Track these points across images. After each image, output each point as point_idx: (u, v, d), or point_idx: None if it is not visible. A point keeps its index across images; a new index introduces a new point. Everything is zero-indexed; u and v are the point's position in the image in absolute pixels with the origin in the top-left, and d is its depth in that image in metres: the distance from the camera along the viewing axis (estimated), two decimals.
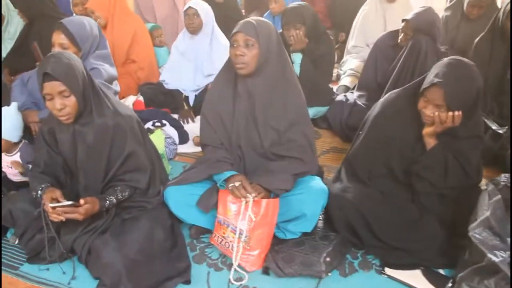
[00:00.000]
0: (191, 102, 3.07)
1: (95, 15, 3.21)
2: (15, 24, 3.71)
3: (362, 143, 2.07)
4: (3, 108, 2.34)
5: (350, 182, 2.05)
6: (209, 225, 2.09)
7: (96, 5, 3.18)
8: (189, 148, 2.86)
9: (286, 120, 2.04)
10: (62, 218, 1.83)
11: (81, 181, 2.01)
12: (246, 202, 1.87)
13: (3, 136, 2.26)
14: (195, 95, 3.09)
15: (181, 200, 2.05)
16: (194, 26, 3.05)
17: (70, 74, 1.82)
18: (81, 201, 1.83)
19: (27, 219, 2.02)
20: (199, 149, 2.84)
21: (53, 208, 1.81)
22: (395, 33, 2.79)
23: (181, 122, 2.98)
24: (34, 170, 2.05)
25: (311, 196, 1.95)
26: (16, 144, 2.34)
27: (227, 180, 1.96)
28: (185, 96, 3.12)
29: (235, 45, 1.93)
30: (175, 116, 3.02)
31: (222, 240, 1.96)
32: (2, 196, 2.24)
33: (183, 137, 2.84)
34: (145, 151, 2.05)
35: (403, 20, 2.69)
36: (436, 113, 1.82)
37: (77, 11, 3.32)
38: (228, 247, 1.93)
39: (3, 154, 2.37)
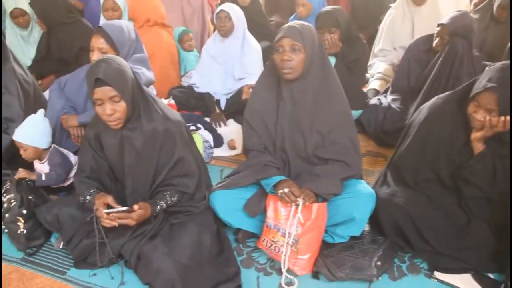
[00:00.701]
0: (223, 106, 3.07)
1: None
2: (37, 30, 3.71)
3: (408, 147, 2.07)
4: (30, 116, 2.35)
5: (397, 186, 2.05)
6: (256, 229, 2.09)
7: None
8: (224, 151, 2.86)
9: (330, 123, 2.05)
10: (115, 223, 1.84)
11: (128, 186, 2.01)
12: (296, 206, 1.87)
13: (32, 144, 2.28)
14: (227, 99, 3.09)
15: (228, 205, 2.05)
16: (225, 29, 3.05)
17: (120, 79, 1.82)
18: (135, 207, 1.83)
19: (74, 224, 2.02)
20: (234, 152, 2.86)
21: (107, 214, 1.81)
22: (428, 37, 2.80)
23: (213, 125, 2.98)
24: (79, 175, 2.05)
25: (361, 200, 1.96)
26: (47, 150, 2.35)
27: (276, 186, 1.95)
28: (216, 99, 3.12)
29: (280, 50, 1.94)
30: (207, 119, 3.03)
31: (272, 244, 1.95)
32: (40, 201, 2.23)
33: (218, 141, 2.84)
34: (193, 156, 2.05)
35: (438, 25, 2.69)
36: (487, 118, 1.83)
37: (106, 16, 3.32)
38: (277, 252, 1.93)
39: (37, 162, 2.38)
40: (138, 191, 2.01)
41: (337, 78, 2.11)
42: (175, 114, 2.04)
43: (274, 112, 2.09)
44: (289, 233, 1.89)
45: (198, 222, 2.01)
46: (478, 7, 3.32)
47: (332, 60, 2.79)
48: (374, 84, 3.27)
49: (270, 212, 1.96)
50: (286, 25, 2.01)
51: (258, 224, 2.08)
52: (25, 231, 2.08)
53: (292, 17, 3.73)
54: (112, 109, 1.81)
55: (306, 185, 1.95)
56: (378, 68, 3.33)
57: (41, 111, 2.34)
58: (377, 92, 3.19)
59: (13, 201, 2.13)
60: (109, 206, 1.87)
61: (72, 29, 3.51)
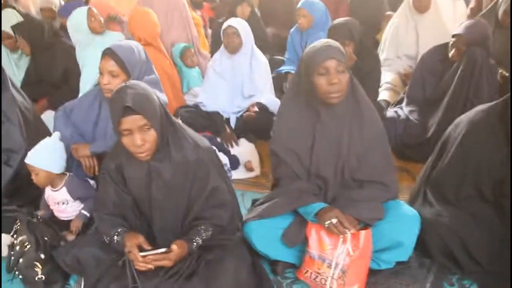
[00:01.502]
0: (233, 125, 2.94)
1: None
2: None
3: (449, 163, 2.00)
4: (41, 141, 2.18)
5: (440, 205, 1.98)
6: (294, 260, 1.98)
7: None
8: (242, 174, 2.72)
9: (365, 143, 1.95)
10: (151, 266, 1.68)
11: (156, 222, 1.85)
12: (344, 237, 1.77)
13: (45, 168, 2.11)
14: (236, 117, 2.96)
15: (265, 235, 1.92)
16: (233, 45, 2.93)
17: (149, 106, 1.68)
18: (174, 247, 1.68)
19: (100, 266, 1.84)
20: (252, 174, 2.73)
21: (143, 256, 1.65)
22: (441, 47, 2.76)
23: (225, 146, 2.85)
24: (101, 211, 1.88)
25: (407, 224, 1.87)
26: (60, 176, 2.18)
27: (319, 214, 1.84)
28: (225, 118, 2.98)
29: (323, 73, 1.79)
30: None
31: (317, 276, 1.84)
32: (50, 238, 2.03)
33: (233, 163, 2.70)
34: (226, 184, 1.91)
35: (454, 35, 2.65)
36: None
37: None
38: (324, 283, 1.82)
39: (49, 189, 2.20)
40: (167, 227, 1.86)
41: (365, 95, 2.03)
42: (205, 141, 1.90)
43: (307, 138, 1.95)
44: (336, 264, 1.79)
45: (234, 256, 1.86)
46: (482, 13, 3.30)
47: None
48: (383, 95, 3.22)
49: (313, 242, 1.85)
50: (322, 44, 1.85)
51: (297, 254, 1.97)
52: (43, 277, 1.89)
53: (293, 29, 3.63)
54: (142, 139, 1.66)
55: (347, 212, 1.84)
56: (385, 78, 3.28)
57: (56, 134, 2.18)
58: (387, 103, 3.14)
59: (27, 244, 1.93)
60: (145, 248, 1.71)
61: (53, 51, 3.35)
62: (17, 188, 2.44)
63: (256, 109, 2.91)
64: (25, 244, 1.93)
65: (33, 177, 2.12)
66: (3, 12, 3.43)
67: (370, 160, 1.95)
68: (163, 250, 1.67)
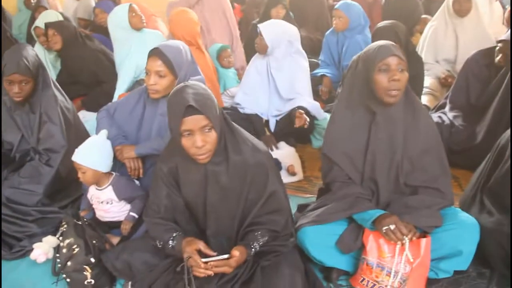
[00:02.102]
0: (272, 128, 2.89)
1: None
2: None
3: (508, 172, 1.94)
4: (89, 138, 2.16)
5: (501, 214, 1.91)
6: (348, 267, 1.92)
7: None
8: (284, 178, 2.63)
9: (420, 147, 1.91)
10: (211, 273, 1.64)
11: (211, 226, 1.81)
12: (402, 244, 1.72)
13: (92, 166, 2.07)
14: (276, 120, 2.91)
15: (320, 242, 1.88)
16: (258, 48, 2.93)
17: (211, 106, 1.64)
18: (236, 253, 1.64)
19: (153, 272, 1.80)
20: (295, 178, 2.68)
21: (205, 263, 1.61)
22: (487, 51, 2.69)
23: None
24: (152, 216, 1.84)
25: (467, 232, 1.81)
26: (107, 175, 2.15)
27: (377, 221, 1.79)
28: (265, 120, 2.93)
29: (384, 69, 1.78)
30: None
31: (375, 284, 1.79)
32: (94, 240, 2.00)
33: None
34: (283, 189, 1.87)
35: (500, 41, 2.59)
36: None
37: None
38: None
39: (93, 188, 2.16)
40: (221, 232, 1.82)
41: (419, 99, 1.98)
42: (262, 144, 1.86)
43: (361, 140, 1.93)
44: (396, 272, 1.74)
45: (289, 263, 1.81)
46: None
47: None
48: (423, 100, 3.15)
49: (371, 250, 1.80)
50: (384, 43, 1.84)
51: (351, 261, 1.92)
52: (92, 282, 1.85)
53: (329, 31, 3.58)
54: (203, 140, 1.61)
55: (404, 218, 1.79)
56: (424, 83, 3.21)
57: (104, 132, 2.15)
58: (427, 108, 3.08)
59: (76, 247, 1.89)
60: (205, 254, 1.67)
61: (82, 53, 3.38)
62: (58, 189, 2.42)
63: (306, 116, 2.81)
64: (74, 247, 1.89)
65: (80, 175, 2.08)
66: (44, 12, 3.41)
67: (425, 165, 1.91)
68: (225, 256, 1.62)
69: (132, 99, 2.37)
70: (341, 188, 1.95)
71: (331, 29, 3.56)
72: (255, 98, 2.97)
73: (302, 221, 1.95)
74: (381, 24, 2.70)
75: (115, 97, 3.25)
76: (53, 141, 2.37)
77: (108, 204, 2.15)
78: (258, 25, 2.90)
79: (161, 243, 1.77)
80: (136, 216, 2.16)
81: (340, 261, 1.91)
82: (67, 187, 2.47)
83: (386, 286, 1.75)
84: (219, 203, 1.77)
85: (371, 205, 1.88)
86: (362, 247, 1.84)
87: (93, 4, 4.27)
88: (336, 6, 3.41)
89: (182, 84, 1.68)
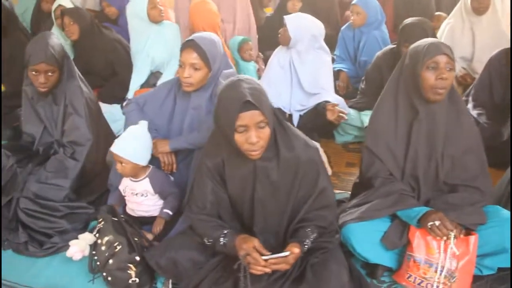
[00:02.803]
0: (295, 123, 2.86)
1: None
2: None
3: None
4: (130, 127, 2.10)
5: None
6: (392, 263, 1.92)
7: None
8: None
9: (461, 145, 1.93)
10: (269, 270, 1.61)
11: (258, 223, 1.77)
12: (447, 240, 1.73)
13: (134, 160, 2.02)
14: (300, 115, 2.88)
15: (365, 238, 1.87)
16: (281, 39, 2.88)
17: (266, 101, 1.61)
18: (295, 250, 1.61)
19: (202, 270, 1.76)
20: None
21: (265, 260, 1.58)
22: (509, 50, 2.71)
23: None
24: (198, 212, 1.80)
25: (510, 229, 1.83)
26: (144, 168, 2.11)
27: (423, 218, 1.79)
28: (288, 114, 2.90)
29: (433, 67, 1.79)
30: None
31: (422, 281, 1.79)
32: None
33: None
34: (331, 185, 1.85)
35: None
36: None
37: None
38: None
39: (128, 180, 2.11)
40: (269, 229, 1.79)
41: (461, 97, 1.99)
42: (311, 140, 1.83)
43: (403, 136, 1.94)
44: (444, 268, 1.75)
45: (336, 259, 1.80)
46: None
47: None
48: None
49: (418, 247, 1.79)
50: (433, 40, 1.88)
51: (394, 257, 1.92)
52: (137, 280, 1.80)
53: (344, 26, 3.57)
54: (258, 136, 1.58)
55: (448, 216, 1.79)
56: None
57: (144, 123, 2.10)
58: None
59: (117, 245, 1.84)
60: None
61: (95, 43, 3.26)
62: (83, 184, 2.35)
63: (339, 109, 2.74)
64: (115, 245, 1.84)
65: (118, 167, 2.04)
66: None
67: (466, 164, 1.93)
68: (286, 253, 1.59)
69: (162, 92, 2.31)
70: (383, 184, 1.95)
71: (347, 24, 3.55)
72: (278, 92, 2.93)
73: (346, 217, 1.94)
74: (408, 20, 2.68)
75: (131, 89, 3.18)
76: (78, 134, 2.30)
77: (142, 197, 2.11)
78: (284, 17, 2.86)
79: (210, 240, 1.73)
80: (170, 213, 2.13)
81: (384, 258, 1.91)
82: (92, 181, 2.41)
83: (434, 282, 1.76)
84: (267, 199, 1.74)
85: (415, 202, 1.88)
86: (407, 244, 1.85)
87: None
88: (354, 2, 3.39)
89: (234, 78, 1.64)
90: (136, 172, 2.07)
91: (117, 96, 3.10)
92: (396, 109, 1.96)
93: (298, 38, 2.81)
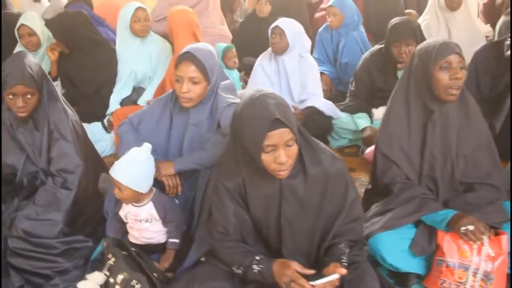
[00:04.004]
0: None
1: None
2: (47, 58, 3.08)
3: None
4: (133, 150, 1.93)
5: None
6: (420, 270, 1.87)
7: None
8: None
9: (473, 143, 1.93)
10: None
11: (287, 244, 1.66)
12: (481, 243, 1.72)
13: (134, 187, 1.87)
14: None
15: (394, 247, 1.83)
16: (278, 47, 2.78)
17: (293, 117, 1.52)
18: (342, 271, 1.51)
19: None
20: None
21: (313, 286, 1.47)
22: (494, 45, 2.74)
23: None
24: (222, 239, 1.67)
25: None
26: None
27: (450, 222, 1.76)
28: None
29: (445, 67, 1.78)
30: None
31: (459, 286, 1.75)
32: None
33: None
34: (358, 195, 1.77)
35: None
36: None
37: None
38: None
39: (130, 206, 1.96)
40: (298, 249, 1.68)
41: (470, 94, 1.99)
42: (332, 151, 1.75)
43: (417, 138, 1.92)
44: (480, 270, 1.73)
45: (369, 273, 1.73)
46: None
47: None
48: None
49: (450, 251, 1.76)
50: (443, 40, 1.86)
51: (422, 263, 1.87)
52: None
53: (321, 28, 3.52)
54: (287, 155, 1.48)
55: (472, 216, 1.77)
56: None
57: (147, 146, 1.93)
58: None
59: (136, 283, 1.66)
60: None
61: (97, 55, 3.00)
62: (76, 215, 2.14)
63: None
64: (133, 284, 1.66)
65: (116, 192, 1.88)
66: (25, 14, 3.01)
67: (479, 162, 1.94)
68: (335, 276, 1.49)
69: (157, 109, 2.16)
70: (402, 189, 1.92)
71: (324, 26, 3.51)
72: None
73: (370, 228, 1.88)
74: (396, 20, 2.67)
75: (112, 105, 2.97)
76: (67, 161, 2.10)
77: (147, 223, 1.95)
78: (279, 24, 2.76)
79: (241, 268, 1.60)
80: (178, 241, 1.97)
81: (413, 265, 1.86)
82: (84, 211, 2.19)
83: (470, 286, 1.73)
84: (295, 218, 1.64)
85: (439, 206, 1.86)
86: (437, 249, 1.81)
87: (62, 6, 3.87)
88: (330, 3, 3.36)
89: (256, 93, 1.51)
90: (136, 198, 1.90)
91: (97, 114, 2.87)
92: (408, 111, 1.94)
93: (294, 44, 2.73)
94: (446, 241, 1.77)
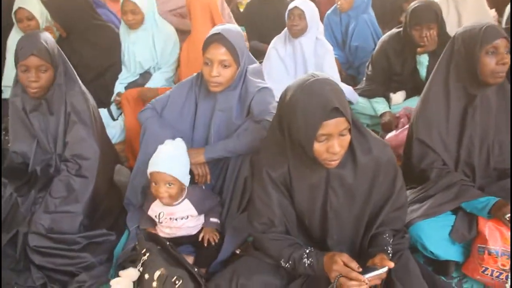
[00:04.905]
0: None
1: None
2: None
3: None
4: (168, 143, 1.83)
5: None
6: (460, 257, 1.85)
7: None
8: None
9: (507, 129, 1.90)
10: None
11: (333, 234, 1.60)
12: None
13: (181, 179, 1.77)
14: None
15: (435, 235, 1.79)
16: (298, 28, 2.67)
17: (348, 106, 1.44)
18: (391, 264, 1.45)
19: None
20: None
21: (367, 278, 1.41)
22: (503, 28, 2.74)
23: None
24: (264, 230, 1.60)
25: None
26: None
27: (493, 209, 1.73)
28: None
29: (492, 52, 1.75)
30: None
31: (501, 273, 1.73)
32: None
33: None
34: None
35: None
36: None
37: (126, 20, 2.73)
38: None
39: (159, 204, 1.84)
40: (344, 239, 1.62)
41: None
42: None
43: (457, 123, 1.89)
44: None
45: (412, 261, 1.69)
46: None
47: (425, 58, 2.60)
48: None
49: (493, 238, 1.73)
50: (488, 24, 1.82)
51: (460, 250, 1.85)
52: None
53: (329, 11, 3.42)
54: (340, 144, 1.41)
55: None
56: None
57: (180, 141, 1.84)
58: None
59: (175, 279, 1.57)
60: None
61: (99, 39, 2.83)
62: (95, 207, 2.02)
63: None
64: (174, 280, 1.57)
65: (162, 191, 1.75)
66: None
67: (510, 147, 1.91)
68: (385, 269, 1.44)
69: (181, 94, 2.06)
70: (440, 175, 1.89)
71: (332, 9, 3.41)
72: (280, 84, 2.73)
73: (410, 215, 1.83)
74: (417, 3, 2.59)
75: (116, 89, 2.83)
76: (84, 146, 1.97)
77: (183, 220, 1.84)
78: (298, 5, 2.65)
79: (290, 262, 1.53)
80: (218, 221, 1.89)
81: (452, 252, 1.83)
82: (102, 203, 2.07)
83: None
84: (342, 208, 1.58)
85: (479, 193, 1.83)
86: (477, 236, 1.78)
87: None
88: None
89: (310, 78, 1.42)
90: (180, 193, 1.80)
91: (102, 100, 2.72)
92: (447, 96, 1.90)
93: (311, 26, 2.64)
94: (489, 228, 1.74)
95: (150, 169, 1.73)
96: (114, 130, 2.65)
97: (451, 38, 1.91)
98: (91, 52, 2.75)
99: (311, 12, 2.68)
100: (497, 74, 1.75)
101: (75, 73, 2.02)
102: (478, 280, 1.81)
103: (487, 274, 1.76)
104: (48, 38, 1.91)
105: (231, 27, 1.96)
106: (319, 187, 1.55)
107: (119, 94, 2.80)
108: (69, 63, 2.01)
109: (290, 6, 2.68)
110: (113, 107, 2.82)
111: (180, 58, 2.83)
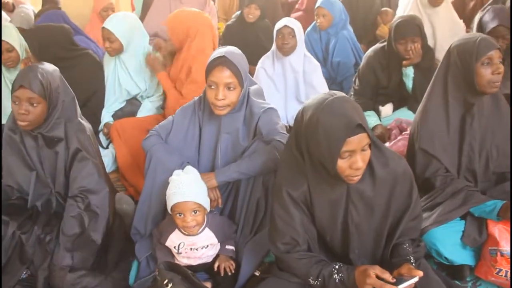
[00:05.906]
0: None
1: None
2: None
3: None
4: (188, 170, 1.83)
5: None
6: (472, 261, 1.90)
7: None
8: None
9: (503, 133, 2.01)
10: None
11: (354, 248, 1.62)
12: None
13: (206, 206, 1.76)
14: None
15: (448, 241, 1.84)
16: (289, 46, 2.72)
17: (367, 122, 1.48)
18: (420, 273, 1.48)
19: None
20: None
21: None
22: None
23: None
24: (287, 250, 1.59)
25: None
26: None
27: (501, 211, 1.80)
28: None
29: (487, 63, 1.85)
30: None
31: None
32: None
33: None
34: None
35: None
36: None
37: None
38: None
39: (181, 235, 1.80)
40: (366, 252, 1.65)
41: None
42: None
43: (456, 131, 1.97)
44: None
45: (429, 268, 1.73)
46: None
47: (411, 70, 2.70)
48: None
49: (505, 240, 1.80)
50: (482, 36, 1.92)
51: (472, 254, 1.90)
52: None
53: (309, 28, 3.48)
54: (362, 159, 1.44)
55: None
56: None
57: (191, 167, 1.84)
58: None
59: None
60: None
61: (79, 67, 2.76)
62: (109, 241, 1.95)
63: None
64: None
65: (189, 220, 1.71)
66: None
67: (507, 150, 2.00)
68: (416, 278, 1.46)
69: (184, 119, 2.04)
70: (445, 182, 1.96)
71: (311, 27, 3.48)
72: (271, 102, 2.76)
73: (423, 223, 1.88)
74: (401, 18, 2.70)
75: (103, 118, 2.78)
76: (91, 180, 1.90)
77: (203, 249, 1.81)
78: (287, 24, 2.70)
79: (319, 279, 1.53)
80: (234, 248, 1.87)
81: (465, 257, 1.88)
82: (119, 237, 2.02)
83: None
84: (363, 221, 1.60)
85: (485, 197, 1.90)
86: (488, 239, 1.84)
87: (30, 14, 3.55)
88: (318, 4, 3.32)
89: (329, 97, 1.45)
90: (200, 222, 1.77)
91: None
92: (446, 106, 1.97)
93: (300, 43, 2.68)
94: (499, 230, 1.80)
95: (174, 200, 1.69)
96: (107, 158, 2.58)
97: (447, 51, 1.98)
98: (71, 82, 2.71)
99: (299, 30, 2.74)
100: (493, 84, 1.84)
101: (76, 106, 1.96)
102: (492, 282, 1.86)
103: (501, 275, 1.81)
104: (48, 72, 1.84)
105: (234, 50, 1.96)
106: (339, 202, 1.57)
107: (107, 125, 2.74)
108: (72, 95, 1.96)
109: (279, 25, 2.73)
110: (101, 135, 2.75)
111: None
